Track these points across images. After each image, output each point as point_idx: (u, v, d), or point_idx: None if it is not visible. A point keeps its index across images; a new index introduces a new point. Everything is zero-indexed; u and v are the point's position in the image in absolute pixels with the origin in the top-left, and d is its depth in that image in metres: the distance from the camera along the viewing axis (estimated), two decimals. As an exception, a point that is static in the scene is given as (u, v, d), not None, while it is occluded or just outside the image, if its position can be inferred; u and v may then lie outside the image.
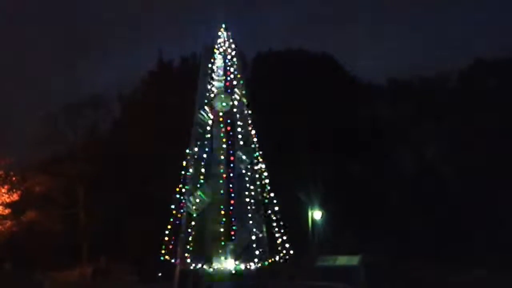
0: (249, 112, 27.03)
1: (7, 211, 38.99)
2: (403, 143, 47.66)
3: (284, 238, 26.32)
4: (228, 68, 27.34)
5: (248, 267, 25.03)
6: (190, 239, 25.03)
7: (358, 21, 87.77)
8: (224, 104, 26.51)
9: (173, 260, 25.28)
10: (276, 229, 26.29)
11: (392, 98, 50.52)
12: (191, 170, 26.10)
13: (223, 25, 27.65)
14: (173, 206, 26.05)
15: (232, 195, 26.03)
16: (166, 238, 25.70)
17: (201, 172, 25.89)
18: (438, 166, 46.98)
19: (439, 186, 43.73)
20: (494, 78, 47.19)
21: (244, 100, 27.18)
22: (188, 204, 25.60)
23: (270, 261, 25.84)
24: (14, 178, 39.66)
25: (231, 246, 25.41)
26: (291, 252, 26.25)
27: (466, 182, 42.94)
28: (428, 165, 47.38)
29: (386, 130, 47.56)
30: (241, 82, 27.42)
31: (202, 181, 25.91)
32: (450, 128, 46.03)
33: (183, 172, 26.41)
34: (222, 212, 25.39)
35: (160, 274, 27.45)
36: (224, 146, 26.46)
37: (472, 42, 71.34)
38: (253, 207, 25.95)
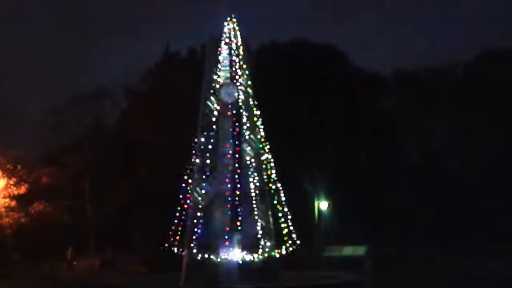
0: (255, 102, 27.03)
1: (13, 203, 39.21)
2: (409, 132, 47.56)
3: (291, 228, 26.38)
4: (233, 58, 27.32)
5: (255, 257, 25.08)
6: (196, 229, 25.05)
7: (362, 12, 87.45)
8: (230, 94, 26.47)
9: (180, 250, 25.34)
10: (283, 219, 26.34)
11: (398, 88, 50.37)
12: (197, 161, 26.12)
13: (229, 16, 27.64)
14: (180, 197, 26.10)
15: (238, 185, 26.03)
16: (173, 228, 25.78)
17: (207, 163, 25.91)
18: (445, 156, 46.89)
19: (446, 176, 43.67)
20: (502, 68, 46.92)
21: (250, 91, 27.17)
22: (195, 194, 25.65)
23: (276, 251, 25.91)
24: (21, 172, 39.79)
25: (238, 237, 25.45)
26: (298, 242, 26.31)
27: (473, 171, 42.90)
28: (435, 154, 47.28)
29: (392, 120, 47.44)
30: (247, 72, 27.40)
31: (208, 172, 25.95)
32: (457, 117, 45.90)
33: (189, 163, 26.45)
34: (229, 203, 25.43)
35: (167, 265, 27.53)
36: (230, 136, 26.47)
37: (480, 32, 71.01)
38: (259, 198, 26.00)
